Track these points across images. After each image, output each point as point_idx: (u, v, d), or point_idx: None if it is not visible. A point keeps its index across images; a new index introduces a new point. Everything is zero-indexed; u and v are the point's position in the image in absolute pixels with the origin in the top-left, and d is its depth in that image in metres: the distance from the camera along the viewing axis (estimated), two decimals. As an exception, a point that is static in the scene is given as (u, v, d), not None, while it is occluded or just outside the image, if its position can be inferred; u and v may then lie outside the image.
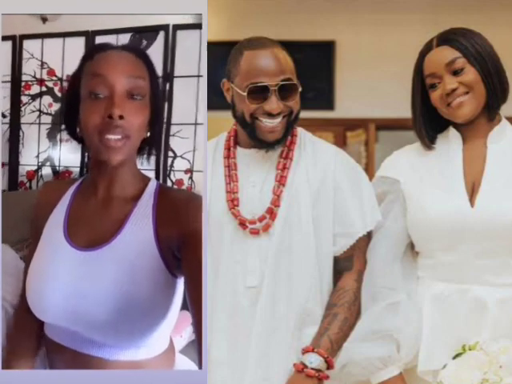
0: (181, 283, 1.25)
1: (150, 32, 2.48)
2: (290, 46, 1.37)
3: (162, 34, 2.53)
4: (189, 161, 2.48)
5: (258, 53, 1.32)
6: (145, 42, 2.50)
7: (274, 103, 1.31)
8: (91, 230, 1.25)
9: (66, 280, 1.21)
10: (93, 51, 1.25)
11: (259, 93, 1.31)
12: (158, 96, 1.30)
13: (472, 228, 1.29)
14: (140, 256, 1.19)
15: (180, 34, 2.49)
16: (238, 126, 1.42)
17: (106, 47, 1.26)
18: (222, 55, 1.59)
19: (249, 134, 1.37)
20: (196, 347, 1.16)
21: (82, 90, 1.22)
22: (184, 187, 2.43)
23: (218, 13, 3.87)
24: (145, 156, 1.32)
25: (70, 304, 1.19)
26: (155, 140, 1.32)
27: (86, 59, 1.25)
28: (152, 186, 1.28)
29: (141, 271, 1.18)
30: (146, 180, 1.30)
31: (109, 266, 1.19)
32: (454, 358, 1.27)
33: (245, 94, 1.31)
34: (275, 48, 1.33)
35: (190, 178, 2.49)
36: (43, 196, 1.37)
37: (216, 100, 1.71)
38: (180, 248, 1.18)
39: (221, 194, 1.39)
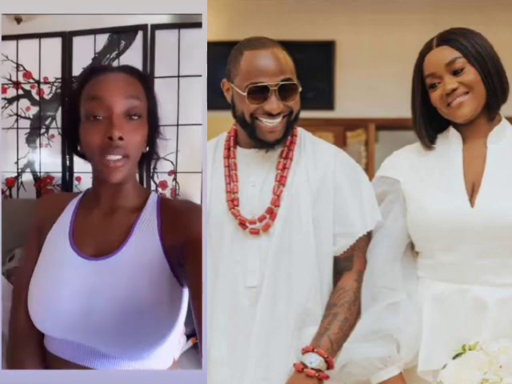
0: (186, 292, 1.26)
1: (128, 32, 2.48)
2: (290, 46, 1.37)
3: (140, 34, 2.57)
4: (172, 162, 2.50)
5: (257, 53, 1.32)
6: (123, 43, 2.51)
7: (274, 103, 1.31)
8: (98, 240, 1.27)
9: (75, 289, 1.21)
10: (90, 74, 1.30)
11: (259, 93, 1.31)
12: (156, 113, 1.35)
13: (472, 228, 1.29)
14: (148, 265, 1.21)
15: (159, 33, 2.53)
16: (238, 125, 1.41)
17: (103, 70, 1.32)
18: (221, 55, 1.59)
19: (249, 134, 1.37)
20: (190, 356, 1.17)
21: (82, 111, 1.26)
22: (168, 189, 2.47)
23: (218, 13, 3.86)
24: (144, 167, 1.42)
25: (77, 313, 1.18)
26: (153, 153, 1.38)
27: (84, 82, 1.29)
28: (153, 197, 1.33)
29: (149, 280, 1.19)
30: (146, 192, 1.35)
31: (117, 275, 1.20)
32: (454, 358, 1.27)
33: (245, 94, 1.31)
34: (275, 48, 1.33)
35: (174, 179, 2.51)
36: (44, 209, 1.37)
37: (216, 100, 1.71)
38: (184, 255, 1.20)
39: (221, 194, 1.39)
